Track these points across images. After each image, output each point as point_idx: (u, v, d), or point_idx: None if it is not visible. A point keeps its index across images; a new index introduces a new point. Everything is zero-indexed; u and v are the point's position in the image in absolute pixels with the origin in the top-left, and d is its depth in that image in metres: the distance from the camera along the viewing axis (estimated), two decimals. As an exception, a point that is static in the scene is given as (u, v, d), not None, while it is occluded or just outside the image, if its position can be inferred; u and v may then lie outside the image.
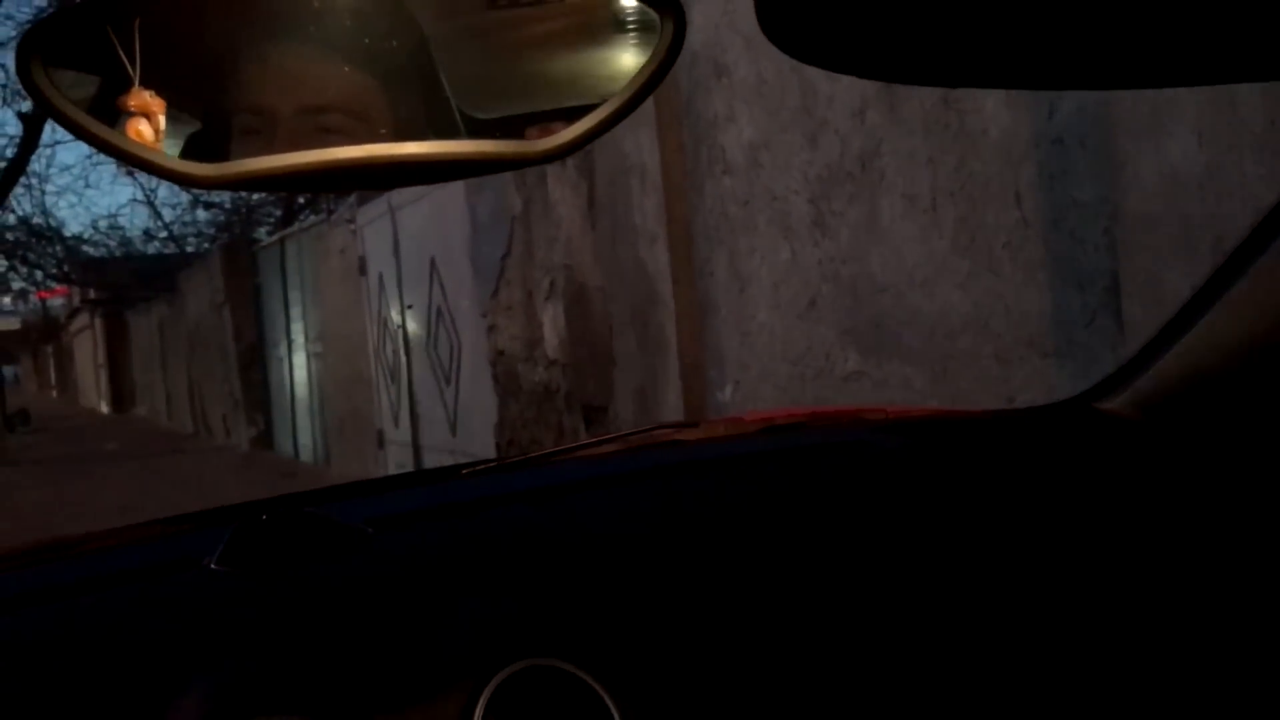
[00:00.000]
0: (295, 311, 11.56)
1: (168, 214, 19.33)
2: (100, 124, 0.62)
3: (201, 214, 19.10)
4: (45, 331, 38.01)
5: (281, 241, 12.11)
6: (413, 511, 1.06)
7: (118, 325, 25.02)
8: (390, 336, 8.58)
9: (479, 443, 6.70)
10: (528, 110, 0.71)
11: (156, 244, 20.31)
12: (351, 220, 9.19)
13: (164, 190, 17.85)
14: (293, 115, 0.67)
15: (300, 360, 11.51)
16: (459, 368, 7.20)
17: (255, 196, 16.17)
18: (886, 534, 0.98)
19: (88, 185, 33.24)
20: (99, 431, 19.49)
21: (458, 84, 0.70)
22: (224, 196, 17.15)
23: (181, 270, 17.05)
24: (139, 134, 0.62)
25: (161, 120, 0.62)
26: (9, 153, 14.30)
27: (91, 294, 25.91)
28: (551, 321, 5.78)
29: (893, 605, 0.91)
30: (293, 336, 11.77)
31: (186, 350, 16.55)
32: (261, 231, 16.58)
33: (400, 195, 7.78)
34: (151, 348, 20.54)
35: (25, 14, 13.73)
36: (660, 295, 4.76)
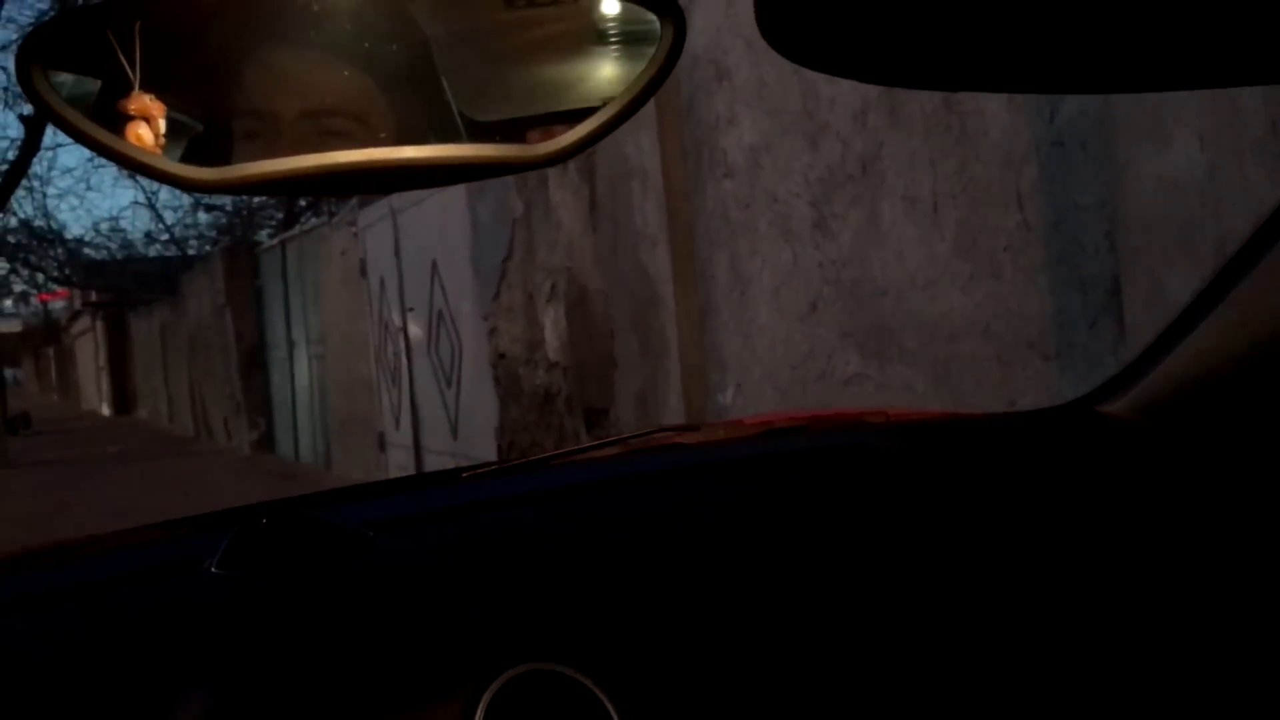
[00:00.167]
0: (296, 314, 11.57)
1: (169, 217, 19.38)
2: (100, 128, 0.62)
3: (203, 217, 19.16)
4: (46, 334, 38.04)
5: (283, 244, 12.12)
6: (413, 515, 1.06)
7: (119, 328, 25.03)
8: (391, 339, 8.58)
9: (480, 445, 6.70)
10: (529, 113, 0.71)
11: (158, 247, 20.36)
12: (353, 223, 9.20)
13: (165, 193, 17.90)
14: (294, 119, 0.67)
15: (302, 363, 11.51)
16: (460, 370, 7.20)
17: (256, 199, 16.18)
18: (888, 537, 0.98)
19: (89, 188, 33.34)
20: (100, 434, 19.50)
21: (459, 87, 0.70)
22: (225, 199, 17.16)
23: (183, 273, 17.06)
24: (139, 138, 0.62)
25: (162, 124, 0.62)
26: (10, 155, 14.34)
27: (93, 297, 25.93)
28: (553, 324, 5.78)
29: (894, 609, 0.91)
30: (294, 339, 11.77)
31: (188, 353, 16.56)
32: (263, 234, 16.59)
33: (401, 198, 7.78)
34: (153, 350, 20.55)
35: (26, 17, 13.76)
36: (661, 298, 4.76)
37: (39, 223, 18.95)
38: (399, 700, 0.73)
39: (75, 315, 31.63)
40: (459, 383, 7.24)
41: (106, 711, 0.75)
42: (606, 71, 0.69)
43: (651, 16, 0.67)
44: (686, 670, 0.82)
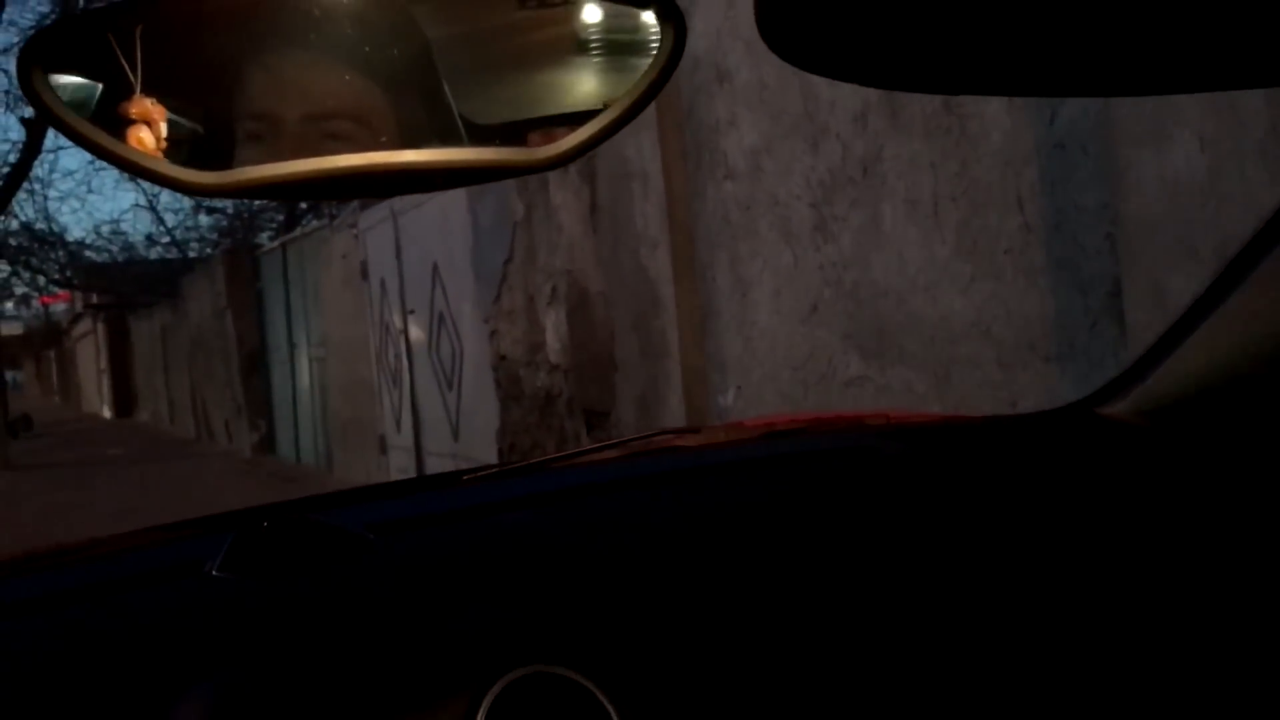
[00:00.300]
0: (298, 316, 11.57)
1: (170, 219, 19.42)
2: (102, 132, 0.62)
3: (204, 219, 19.18)
4: (48, 337, 38.05)
5: (284, 246, 12.12)
6: (414, 517, 1.06)
7: (120, 330, 25.03)
8: (392, 341, 8.59)
9: (481, 448, 6.70)
10: (530, 116, 0.71)
11: (159, 249, 20.39)
12: (354, 225, 9.20)
13: (166, 196, 17.92)
14: (295, 123, 0.67)
15: (303, 365, 11.51)
16: (461, 373, 7.20)
17: (257, 202, 16.17)
18: (888, 540, 0.98)
19: (90, 190, 33.41)
20: (101, 437, 19.51)
21: (460, 91, 0.70)
22: (226, 202, 17.16)
23: (184, 275, 17.07)
24: (140, 142, 0.62)
25: (163, 128, 0.62)
26: (12, 158, 14.35)
27: (94, 299, 25.95)
28: (553, 326, 5.79)
29: (895, 611, 0.91)
30: (295, 341, 11.77)
31: (189, 355, 16.56)
32: (264, 236, 16.61)
33: (402, 200, 7.78)
34: (154, 353, 20.56)
35: (28, 20, 13.77)
36: (662, 300, 4.76)
37: (40, 225, 18.99)
38: (400, 703, 0.73)
39: (76, 318, 31.64)
40: (460, 385, 7.24)
41: (108, 714, 0.75)
42: (607, 75, 0.69)
43: (653, 20, 0.67)
44: (687, 673, 0.82)
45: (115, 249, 20.99)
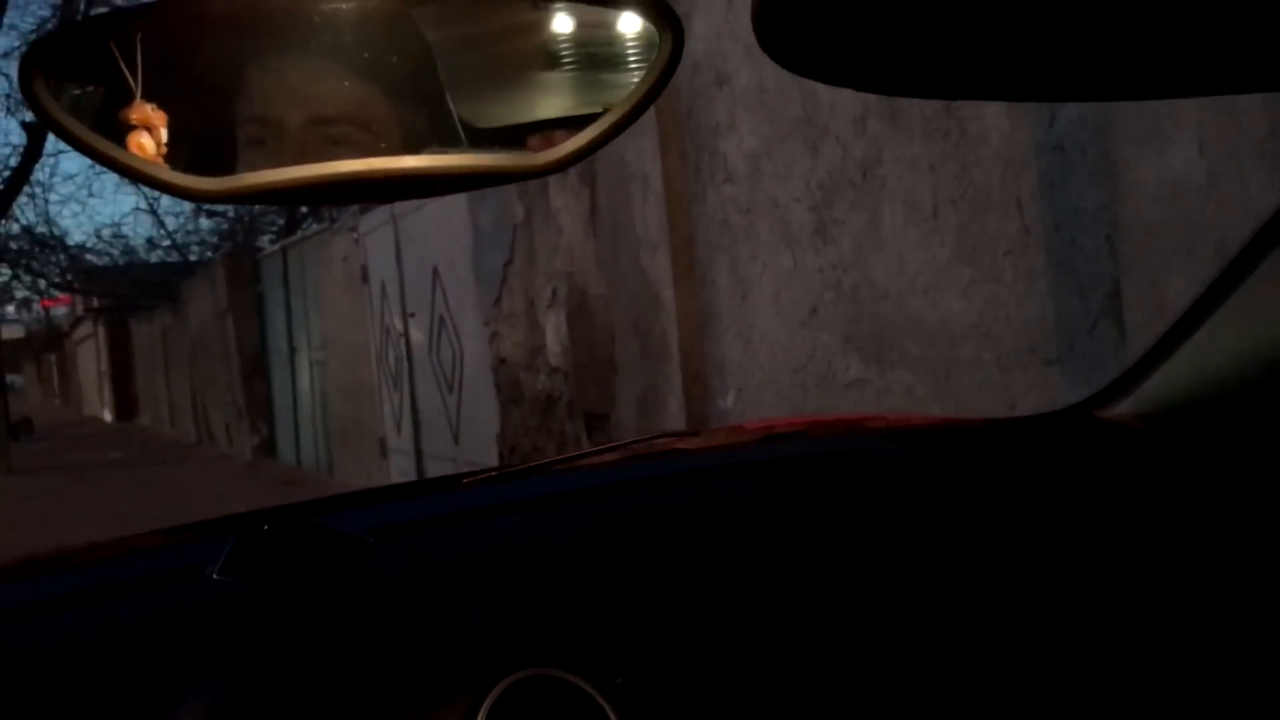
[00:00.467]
0: (298, 320, 11.57)
1: (171, 223, 19.39)
2: (102, 138, 0.62)
3: (204, 223, 19.17)
4: (49, 340, 38.05)
5: (284, 250, 12.12)
6: (414, 521, 1.06)
7: (121, 334, 25.03)
8: (393, 344, 8.59)
9: (481, 451, 6.70)
10: (530, 121, 0.71)
11: (160, 253, 20.38)
12: (354, 229, 9.20)
13: (167, 199, 17.87)
14: (295, 128, 0.67)
15: (303, 369, 11.51)
16: (461, 376, 7.20)
17: (258, 207, 16.18)
18: (889, 542, 0.98)
19: (91, 194, 33.37)
20: (102, 440, 19.49)
21: (460, 95, 0.70)
22: (227, 206, 17.15)
23: (185, 279, 17.07)
24: (140, 147, 0.62)
25: (163, 133, 0.63)
26: (13, 162, 14.34)
27: (95, 303, 25.95)
28: (554, 329, 5.79)
29: (895, 614, 0.91)
30: (296, 345, 11.77)
31: (190, 359, 16.56)
32: (264, 240, 16.61)
33: (402, 204, 7.78)
34: (155, 356, 20.55)
35: (29, 24, 13.79)
36: (662, 303, 4.76)
37: (41, 229, 18.97)
38: (400, 706, 0.74)
39: (77, 321, 31.64)
40: (460, 388, 7.24)
41: (109, 718, 0.75)
42: (606, 80, 0.70)
43: (651, 25, 0.67)
44: (688, 675, 0.82)
45: (116, 252, 21.00)
